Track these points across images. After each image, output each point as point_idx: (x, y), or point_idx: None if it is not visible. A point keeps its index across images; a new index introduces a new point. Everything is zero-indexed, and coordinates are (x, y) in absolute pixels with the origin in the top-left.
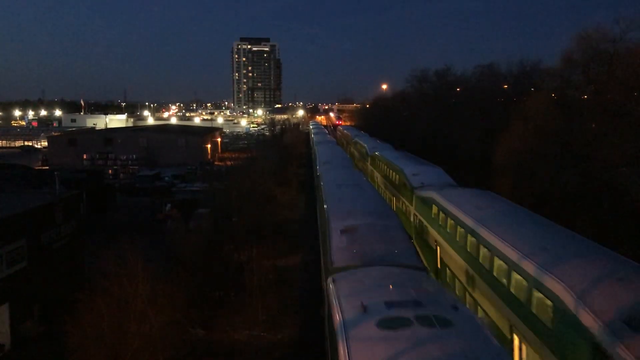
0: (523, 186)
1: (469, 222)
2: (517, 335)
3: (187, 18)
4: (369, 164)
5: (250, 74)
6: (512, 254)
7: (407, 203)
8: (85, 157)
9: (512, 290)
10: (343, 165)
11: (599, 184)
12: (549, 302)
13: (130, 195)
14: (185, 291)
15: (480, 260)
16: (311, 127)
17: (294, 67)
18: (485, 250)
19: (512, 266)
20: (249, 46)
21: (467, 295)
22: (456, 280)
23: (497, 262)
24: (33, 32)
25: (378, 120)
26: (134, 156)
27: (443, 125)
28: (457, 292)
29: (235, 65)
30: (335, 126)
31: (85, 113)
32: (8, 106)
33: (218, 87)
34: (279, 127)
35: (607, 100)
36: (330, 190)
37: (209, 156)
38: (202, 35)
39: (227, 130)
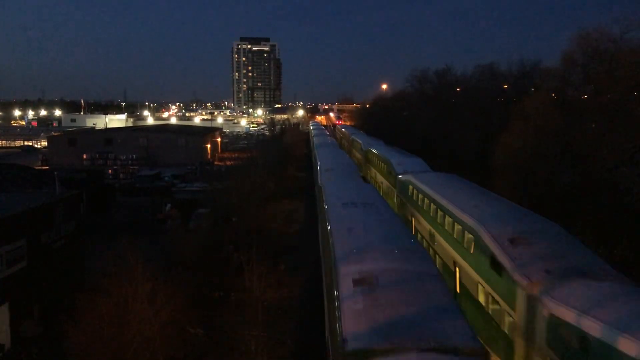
0: (523, 186)
1: (431, 193)
2: (457, 267)
3: (187, 18)
4: (364, 157)
5: (250, 74)
6: (456, 211)
7: (392, 187)
8: (85, 157)
9: (455, 236)
10: (348, 175)
11: (599, 184)
12: (472, 237)
13: (130, 195)
14: (185, 291)
15: (438, 220)
16: (311, 127)
17: (294, 67)
18: (441, 212)
19: (455, 219)
20: (248, 46)
21: (430, 249)
22: (424, 241)
23: (447, 219)
24: (33, 32)
25: (378, 121)
26: (134, 156)
27: (443, 125)
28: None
29: (235, 65)
30: (335, 126)
31: (85, 113)
32: (8, 106)
33: (218, 87)
34: (278, 127)
35: (607, 100)
36: (336, 214)
37: (209, 156)
38: (202, 35)
39: (227, 130)
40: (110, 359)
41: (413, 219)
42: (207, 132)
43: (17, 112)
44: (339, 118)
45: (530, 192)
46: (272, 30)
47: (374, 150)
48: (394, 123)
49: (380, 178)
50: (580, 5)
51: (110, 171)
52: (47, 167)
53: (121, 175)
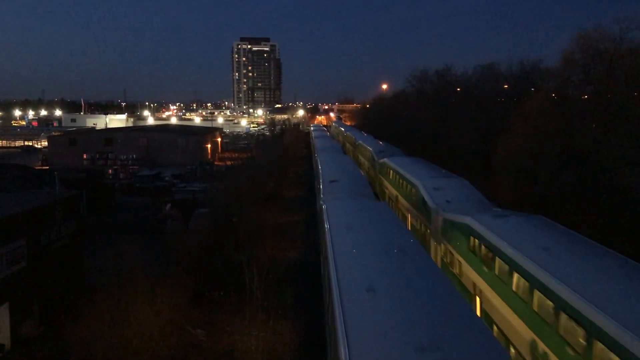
0: (523, 186)
1: (394, 167)
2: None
3: (187, 18)
4: (347, 144)
5: (251, 74)
6: (410, 177)
7: (371, 167)
8: (85, 157)
9: (402, 189)
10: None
11: (599, 184)
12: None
13: (130, 195)
14: (185, 291)
15: (397, 182)
16: (314, 135)
17: (294, 67)
18: (400, 178)
19: (401, 176)
20: (249, 46)
21: (393, 206)
22: (391, 202)
23: (404, 183)
24: (33, 32)
25: (378, 120)
26: (134, 156)
27: (443, 125)
28: (390, 205)
29: (235, 65)
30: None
31: (85, 113)
32: (8, 106)
33: (218, 87)
34: (279, 127)
35: (607, 100)
36: None
37: (209, 156)
38: (202, 35)
39: (227, 130)
40: (110, 359)
41: (386, 189)
42: (207, 132)
43: (17, 112)
44: (339, 118)
45: (531, 192)
46: (272, 30)
47: (352, 136)
48: (394, 123)
49: (362, 160)
50: (580, 5)
51: (110, 171)
52: (48, 167)
53: (121, 175)
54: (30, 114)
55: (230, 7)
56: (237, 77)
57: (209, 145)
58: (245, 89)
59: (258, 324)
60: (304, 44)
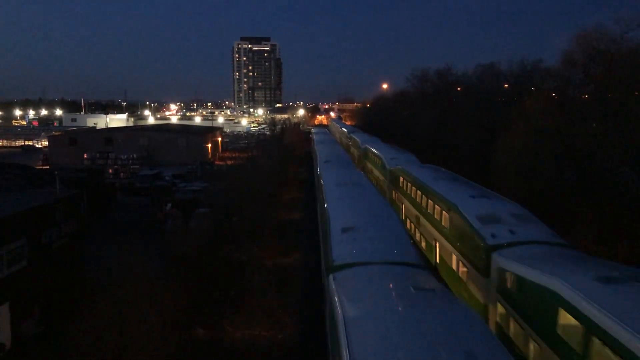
0: (523, 185)
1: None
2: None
3: (188, 17)
4: (340, 135)
5: (251, 74)
6: (376, 151)
7: (353, 147)
8: (85, 156)
9: (376, 165)
10: None
11: (599, 184)
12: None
13: (131, 194)
14: (185, 291)
15: (370, 157)
16: (316, 147)
17: (295, 66)
18: (371, 152)
19: (373, 153)
20: (249, 45)
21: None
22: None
23: (374, 157)
24: (33, 32)
25: (379, 120)
26: (135, 155)
27: (444, 125)
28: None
29: (235, 65)
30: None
31: (85, 112)
32: (9, 105)
33: (218, 87)
34: (279, 126)
35: (607, 100)
36: None
37: (210, 156)
38: (202, 34)
39: (227, 130)
40: (110, 359)
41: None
42: (208, 131)
43: (18, 112)
44: (339, 118)
45: (531, 191)
46: (272, 30)
47: (340, 127)
48: (394, 122)
49: (346, 145)
50: (580, 5)
51: (110, 171)
52: (48, 167)
53: (122, 174)
54: (31, 113)
55: (231, 7)
56: (237, 77)
57: (209, 145)
58: (245, 88)
59: (258, 323)
60: (305, 44)
